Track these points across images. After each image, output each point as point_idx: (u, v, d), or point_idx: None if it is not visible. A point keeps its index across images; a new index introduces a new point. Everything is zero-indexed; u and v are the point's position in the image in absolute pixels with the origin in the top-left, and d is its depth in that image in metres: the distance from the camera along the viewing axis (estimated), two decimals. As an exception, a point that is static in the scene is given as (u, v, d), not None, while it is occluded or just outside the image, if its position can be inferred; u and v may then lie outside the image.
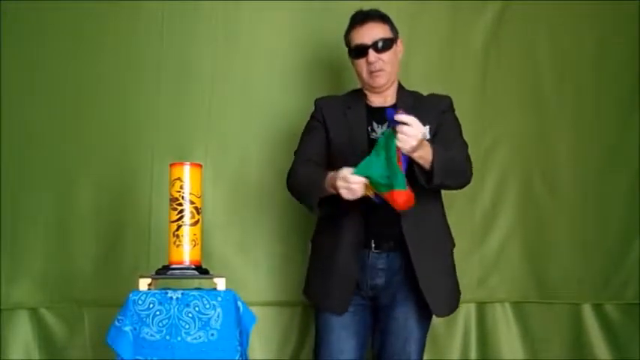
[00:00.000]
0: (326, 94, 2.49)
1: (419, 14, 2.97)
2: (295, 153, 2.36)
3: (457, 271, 2.93)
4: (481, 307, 2.95)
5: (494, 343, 2.93)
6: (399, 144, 1.96)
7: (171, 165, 2.10)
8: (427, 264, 2.23)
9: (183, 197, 2.06)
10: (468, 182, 2.28)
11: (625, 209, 3.06)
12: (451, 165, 2.14)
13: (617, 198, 3.06)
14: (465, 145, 2.31)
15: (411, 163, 2.04)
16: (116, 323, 2.00)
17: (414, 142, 1.97)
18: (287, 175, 2.32)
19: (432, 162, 2.06)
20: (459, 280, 2.86)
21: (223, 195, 2.84)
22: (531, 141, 3.03)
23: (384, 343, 2.28)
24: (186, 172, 2.08)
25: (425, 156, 2.05)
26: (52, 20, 2.82)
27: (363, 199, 2.08)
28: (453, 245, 2.38)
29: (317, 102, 2.41)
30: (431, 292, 2.22)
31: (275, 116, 2.87)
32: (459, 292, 2.38)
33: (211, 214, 2.76)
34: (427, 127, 2.23)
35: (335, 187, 2.05)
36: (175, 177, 2.08)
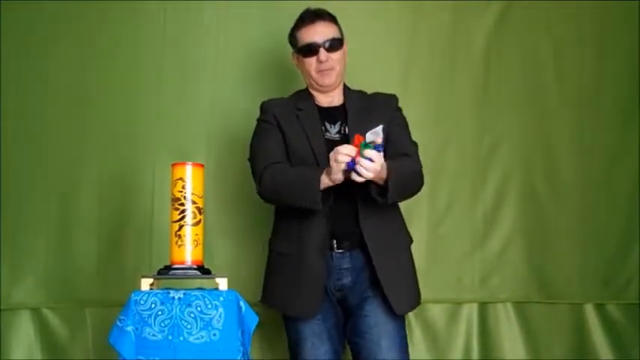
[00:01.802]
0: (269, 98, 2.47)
1: (420, 14, 2.97)
2: (253, 159, 2.32)
3: (458, 271, 2.95)
4: (483, 307, 2.94)
5: (496, 343, 2.93)
6: (356, 178, 2.01)
7: (173, 165, 2.10)
8: (386, 261, 2.23)
9: (185, 197, 2.06)
10: (418, 191, 2.30)
11: (627, 208, 3.06)
12: (405, 180, 2.17)
13: (619, 197, 3.06)
14: (416, 146, 2.33)
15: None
16: (118, 323, 2.00)
17: (371, 175, 2.01)
18: (258, 179, 2.26)
19: (387, 180, 2.07)
20: (461, 280, 2.88)
21: (225, 195, 2.85)
22: (533, 141, 3.03)
23: (359, 343, 2.27)
24: (189, 172, 2.08)
25: (380, 176, 2.07)
26: (53, 20, 2.82)
27: (330, 196, 2.12)
28: (411, 241, 2.38)
29: (264, 105, 2.38)
30: (391, 288, 2.22)
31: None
32: (418, 289, 2.36)
33: (213, 214, 2.76)
34: (381, 125, 2.24)
35: (335, 177, 2.06)
36: (177, 177, 2.08)
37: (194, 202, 2.07)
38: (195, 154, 2.77)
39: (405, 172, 2.17)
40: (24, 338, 2.74)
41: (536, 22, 3.05)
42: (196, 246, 2.08)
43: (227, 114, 2.88)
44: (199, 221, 2.08)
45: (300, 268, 2.24)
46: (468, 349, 2.93)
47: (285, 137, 2.30)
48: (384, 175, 2.08)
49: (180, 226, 2.06)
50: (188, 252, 2.06)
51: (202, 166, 2.12)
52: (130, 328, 1.98)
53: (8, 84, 2.78)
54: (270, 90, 2.89)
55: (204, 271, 2.08)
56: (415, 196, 2.31)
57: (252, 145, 2.35)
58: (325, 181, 2.10)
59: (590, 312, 3.01)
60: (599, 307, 3.02)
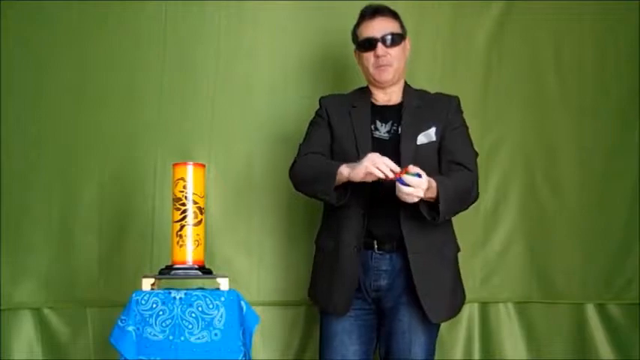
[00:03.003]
0: (329, 93, 2.48)
1: (422, 14, 2.97)
2: (300, 145, 2.35)
3: (460, 270, 2.94)
4: (484, 307, 2.94)
5: (498, 343, 2.93)
6: (398, 195, 2.03)
7: (174, 165, 2.10)
8: (426, 267, 2.21)
9: (186, 197, 2.06)
10: (474, 202, 2.28)
11: (627, 209, 3.05)
12: (456, 198, 2.15)
13: (620, 198, 3.06)
14: (474, 155, 2.30)
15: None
16: (119, 323, 2.00)
17: (416, 199, 2.03)
18: (292, 163, 2.30)
19: (437, 198, 2.07)
20: (464, 280, 2.85)
21: (226, 195, 2.84)
22: (534, 141, 3.03)
23: (389, 346, 2.27)
24: (190, 172, 2.08)
25: (430, 195, 2.08)
26: (53, 20, 2.82)
27: (365, 196, 2.11)
28: (458, 250, 2.36)
29: (321, 100, 2.40)
30: (428, 296, 2.20)
31: (278, 116, 2.87)
32: (460, 299, 2.35)
33: (214, 214, 2.76)
34: (433, 129, 2.24)
35: (354, 173, 2.06)
36: (178, 177, 2.08)
37: (195, 202, 2.07)
38: (197, 154, 2.77)
39: (456, 189, 2.14)
40: (25, 338, 2.74)
41: (537, 22, 3.05)
42: (197, 246, 2.08)
43: (228, 114, 2.88)
44: (200, 221, 2.08)
45: (335, 265, 2.25)
46: (469, 349, 2.93)
47: (333, 133, 2.31)
48: (433, 193, 2.07)
49: (182, 226, 2.06)
50: (189, 252, 2.07)
51: (203, 166, 2.12)
52: (131, 328, 1.99)
53: (9, 84, 2.78)
54: (271, 90, 2.90)
55: (205, 271, 2.09)
56: None
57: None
58: (344, 175, 2.09)
59: (591, 312, 3.01)
60: (600, 307, 3.01)
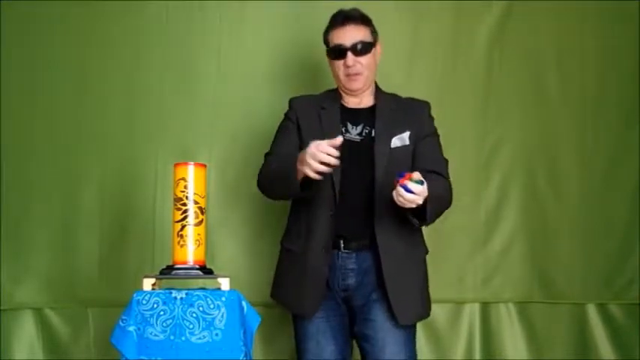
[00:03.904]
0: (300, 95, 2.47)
1: (422, 14, 2.97)
2: (266, 154, 2.34)
3: (461, 271, 2.94)
4: (485, 307, 2.95)
5: (499, 343, 2.93)
6: (398, 200, 2.01)
7: (175, 165, 2.10)
8: (396, 267, 2.21)
9: (187, 197, 2.06)
10: (448, 208, 2.28)
11: (628, 209, 3.06)
12: (441, 204, 2.17)
13: (621, 198, 3.06)
14: (446, 162, 2.30)
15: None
16: (120, 323, 2.00)
17: (414, 206, 2.01)
18: (258, 174, 2.30)
19: (425, 205, 2.05)
20: (463, 280, 2.87)
21: (227, 195, 2.85)
22: (535, 141, 3.03)
23: (365, 347, 2.26)
24: (191, 172, 2.08)
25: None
26: (54, 20, 2.82)
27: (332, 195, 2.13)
28: (426, 252, 2.36)
29: (291, 102, 2.39)
30: (396, 295, 2.19)
31: (279, 116, 2.86)
32: (428, 301, 2.34)
33: (215, 214, 2.77)
34: (407, 132, 2.24)
35: (302, 160, 2.03)
36: (179, 177, 2.08)
37: (196, 202, 2.07)
38: (198, 154, 2.78)
39: (438, 196, 2.14)
40: (26, 338, 2.74)
41: (538, 22, 3.05)
42: (198, 246, 2.08)
43: (229, 114, 2.88)
44: (201, 221, 2.08)
45: (303, 266, 2.25)
46: (470, 349, 2.93)
47: (301, 135, 2.29)
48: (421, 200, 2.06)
49: (183, 226, 2.06)
50: (190, 252, 2.06)
51: (204, 166, 2.12)
52: (132, 328, 1.98)
53: (8, 84, 2.78)
54: (272, 89, 2.89)
55: (206, 271, 2.08)
56: None
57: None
58: (300, 170, 2.07)
59: (592, 312, 3.01)
60: (601, 307, 3.02)
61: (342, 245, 2.24)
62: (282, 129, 2.36)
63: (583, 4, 3.06)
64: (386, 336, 2.22)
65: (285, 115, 2.38)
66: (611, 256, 3.04)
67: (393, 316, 2.21)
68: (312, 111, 2.32)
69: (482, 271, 2.94)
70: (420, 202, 2.01)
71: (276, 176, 2.21)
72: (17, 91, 2.79)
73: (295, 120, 2.33)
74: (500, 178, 3.00)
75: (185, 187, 2.07)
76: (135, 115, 2.84)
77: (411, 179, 1.99)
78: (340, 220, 2.22)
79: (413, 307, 2.26)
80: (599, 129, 3.06)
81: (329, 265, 2.24)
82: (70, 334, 2.76)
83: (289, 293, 2.32)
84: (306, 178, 2.06)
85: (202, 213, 2.09)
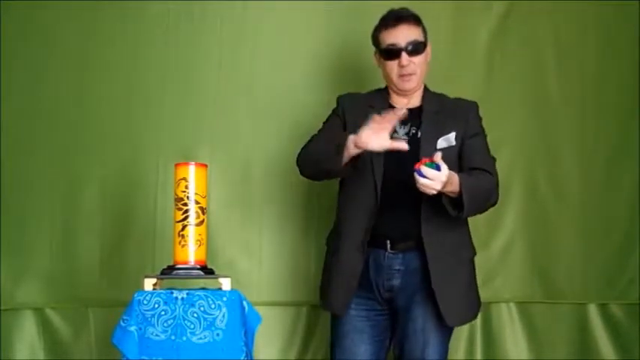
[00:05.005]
0: (331, 94, 2.47)
1: (423, 14, 2.96)
2: (312, 136, 2.32)
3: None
4: (486, 307, 2.94)
5: (500, 343, 2.93)
6: (420, 188, 2.01)
7: (176, 165, 2.10)
8: (443, 268, 2.19)
9: (188, 197, 2.06)
10: (493, 205, 2.27)
11: (629, 209, 3.06)
12: (479, 196, 2.14)
13: (621, 198, 3.06)
14: (493, 161, 2.29)
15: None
16: (121, 323, 2.00)
17: (434, 192, 2.01)
18: (301, 150, 2.28)
19: (460, 194, 2.05)
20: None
21: (228, 195, 2.84)
22: (536, 141, 3.03)
23: (403, 346, 2.24)
24: (192, 172, 2.08)
25: (452, 189, 2.06)
26: (55, 21, 2.82)
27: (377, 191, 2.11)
28: (474, 254, 2.34)
29: (339, 99, 2.37)
30: (443, 297, 2.17)
31: (280, 116, 2.87)
32: (475, 304, 2.33)
33: (216, 214, 2.76)
34: (453, 133, 2.23)
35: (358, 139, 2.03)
36: (180, 177, 2.08)
37: (197, 202, 2.07)
38: (199, 154, 2.77)
39: (480, 187, 2.13)
40: (27, 338, 2.75)
41: (539, 22, 3.05)
42: (199, 246, 2.08)
43: (230, 114, 2.88)
44: (202, 221, 2.08)
45: (336, 263, 2.25)
46: (471, 349, 2.93)
47: (347, 131, 2.25)
48: (456, 188, 2.05)
49: (184, 226, 2.06)
50: (191, 252, 2.06)
51: (205, 166, 2.12)
52: (133, 328, 1.98)
53: (9, 84, 2.78)
54: (273, 90, 2.89)
55: (207, 271, 2.09)
56: None
57: None
58: (351, 142, 2.06)
59: (592, 312, 3.01)
60: (602, 307, 3.02)
61: (389, 246, 2.22)
62: (327, 121, 2.35)
63: (583, 5, 3.06)
64: (424, 338, 2.19)
65: (333, 110, 2.37)
66: (612, 256, 3.04)
67: (435, 317, 2.19)
68: (360, 109, 2.28)
69: (483, 271, 2.91)
70: (438, 187, 1.99)
71: (322, 150, 2.17)
72: (18, 91, 2.79)
73: (342, 115, 2.32)
74: (501, 178, 2.95)
75: (186, 187, 2.07)
76: (136, 115, 2.84)
77: (425, 163, 1.99)
78: (386, 221, 2.20)
79: (460, 309, 2.24)
80: (600, 129, 3.06)
81: (374, 265, 2.23)
82: (70, 334, 2.76)
83: (325, 291, 2.32)
84: (351, 160, 2.08)
85: (203, 213, 2.09)
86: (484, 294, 2.91)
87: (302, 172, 2.30)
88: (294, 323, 2.86)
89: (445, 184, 2.01)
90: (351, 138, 2.05)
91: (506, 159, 2.99)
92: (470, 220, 2.91)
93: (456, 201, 2.09)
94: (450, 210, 2.11)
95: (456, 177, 2.05)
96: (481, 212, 2.26)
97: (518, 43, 3.03)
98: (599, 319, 3.00)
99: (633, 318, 3.01)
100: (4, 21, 2.77)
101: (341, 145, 2.06)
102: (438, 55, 2.98)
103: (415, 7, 2.92)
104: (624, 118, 3.08)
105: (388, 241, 2.22)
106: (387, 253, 2.22)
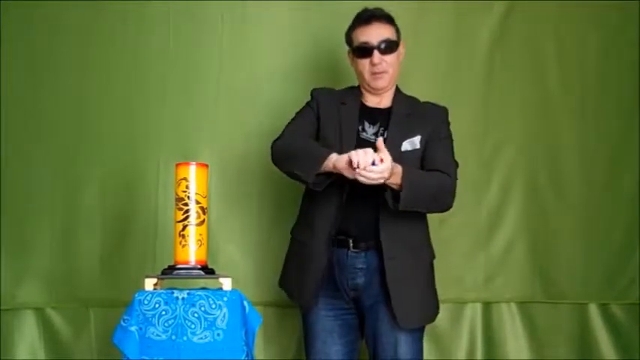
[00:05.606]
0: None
1: (423, 15, 2.97)
2: (287, 125, 2.33)
3: (462, 271, 2.94)
4: (487, 306, 2.94)
5: (500, 343, 2.93)
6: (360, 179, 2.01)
7: (177, 165, 2.10)
8: (402, 274, 2.20)
9: (189, 197, 2.06)
10: (447, 208, 2.26)
11: (630, 209, 3.06)
12: (423, 191, 2.14)
13: (622, 198, 3.06)
14: (455, 165, 2.29)
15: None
16: (122, 323, 2.00)
17: (374, 181, 2.01)
18: (279, 136, 2.29)
19: (401, 186, 2.06)
20: (464, 280, 2.86)
21: (229, 195, 2.85)
22: (536, 142, 3.03)
23: (375, 346, 2.26)
24: (192, 172, 2.07)
25: (395, 181, 2.07)
26: (55, 21, 2.82)
27: (345, 191, 2.15)
28: (433, 257, 2.35)
29: (313, 92, 2.39)
30: (398, 298, 2.18)
31: (281, 117, 2.85)
32: (433, 306, 2.33)
33: (217, 214, 2.77)
34: (418, 137, 2.24)
35: (342, 169, 2.04)
36: (181, 177, 2.07)
37: (198, 202, 2.07)
38: (199, 154, 2.77)
39: (426, 183, 2.14)
40: (27, 338, 2.75)
41: (540, 22, 3.05)
42: (200, 246, 2.07)
43: (231, 114, 2.88)
44: (203, 221, 2.08)
45: (306, 255, 2.27)
46: (471, 349, 2.93)
47: (319, 125, 2.30)
48: (398, 180, 2.06)
49: (184, 226, 2.06)
50: (192, 252, 2.06)
51: (206, 166, 2.12)
52: (133, 328, 1.98)
53: (9, 84, 2.78)
54: (273, 90, 2.90)
55: (207, 271, 2.08)
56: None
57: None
58: (331, 161, 2.08)
59: (593, 312, 3.01)
60: (603, 307, 3.02)
61: (352, 244, 2.24)
62: (301, 112, 2.36)
63: (584, 4, 3.06)
64: (394, 337, 2.22)
65: (307, 103, 2.38)
66: (613, 256, 3.04)
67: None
68: (333, 104, 2.32)
69: (483, 271, 2.94)
70: (374, 177, 1.99)
71: (298, 154, 2.19)
72: (18, 91, 2.79)
73: (316, 109, 2.34)
74: (501, 177, 3.00)
75: (187, 187, 2.07)
76: (136, 115, 2.84)
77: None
78: (349, 220, 2.23)
79: (415, 310, 2.24)
80: (600, 129, 3.06)
81: (338, 264, 2.24)
82: (71, 334, 2.76)
83: (292, 281, 2.34)
84: (321, 174, 2.10)
85: (204, 213, 2.08)
86: (485, 294, 2.94)
87: (274, 163, 2.30)
88: (294, 323, 2.85)
89: (390, 175, 2.02)
90: (332, 159, 2.08)
91: (506, 159, 3.00)
92: (470, 219, 2.93)
93: (398, 193, 2.09)
94: (389, 202, 2.11)
95: (398, 167, 2.06)
96: (428, 211, 2.26)
97: (519, 43, 3.03)
98: (600, 319, 3.00)
99: (634, 318, 3.01)
100: (4, 21, 2.77)
101: (319, 162, 2.09)
102: (438, 55, 3.00)
103: (415, 7, 2.95)
104: (625, 118, 3.09)
105: (351, 240, 2.24)
106: (349, 251, 2.24)
